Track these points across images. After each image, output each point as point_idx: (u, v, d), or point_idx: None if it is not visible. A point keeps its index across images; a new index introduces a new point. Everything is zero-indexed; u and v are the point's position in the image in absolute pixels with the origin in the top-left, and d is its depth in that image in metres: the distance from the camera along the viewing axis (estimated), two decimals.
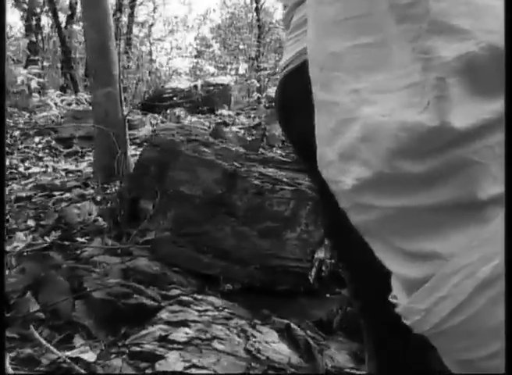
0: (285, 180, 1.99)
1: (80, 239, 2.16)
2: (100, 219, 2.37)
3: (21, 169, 4.05)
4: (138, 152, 5.14)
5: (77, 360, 1.49)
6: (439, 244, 0.46)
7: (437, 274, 0.47)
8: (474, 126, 0.44)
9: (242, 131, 6.22)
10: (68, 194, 2.84)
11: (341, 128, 0.50)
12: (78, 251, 1.95)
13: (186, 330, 1.65)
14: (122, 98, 3.16)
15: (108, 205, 2.34)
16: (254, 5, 18.98)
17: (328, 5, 0.54)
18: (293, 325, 1.75)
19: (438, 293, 0.47)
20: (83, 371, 1.43)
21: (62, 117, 5.95)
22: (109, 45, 3.21)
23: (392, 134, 0.46)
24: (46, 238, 2.14)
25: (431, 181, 0.45)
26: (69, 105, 6.11)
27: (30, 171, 3.99)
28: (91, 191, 2.97)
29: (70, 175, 3.85)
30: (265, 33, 16.98)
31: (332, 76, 0.53)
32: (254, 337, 1.70)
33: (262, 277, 1.90)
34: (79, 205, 2.48)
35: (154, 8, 18.12)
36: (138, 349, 1.56)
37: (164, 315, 1.69)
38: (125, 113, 3.16)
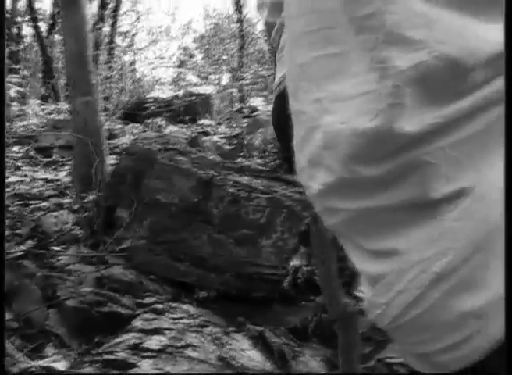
0: (260, 188, 2.00)
1: (55, 248, 2.14)
2: (76, 227, 2.36)
3: None
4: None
5: (49, 369, 1.48)
6: (397, 241, 0.48)
7: (394, 269, 0.50)
8: (425, 131, 0.46)
9: (223, 140, 6.24)
10: (45, 203, 2.82)
11: (308, 136, 0.53)
12: (53, 260, 1.94)
13: (160, 337, 1.65)
14: (101, 108, 3.15)
15: (85, 213, 2.33)
16: (237, 15, 19.10)
17: (296, 18, 0.57)
18: (267, 332, 1.76)
19: (396, 287, 0.49)
20: None
21: (42, 127, 5.91)
22: (87, 55, 3.21)
23: (349, 141, 0.48)
24: (21, 247, 2.12)
25: (386, 183, 0.47)
26: (50, 114, 6.07)
27: (9, 180, 3.96)
28: (69, 200, 2.96)
29: (49, 184, 3.83)
30: (248, 44, 17.08)
31: (298, 86, 0.56)
32: (229, 344, 1.70)
33: (238, 285, 1.91)
34: (55, 213, 2.47)
35: (138, 18, 18.12)
36: (111, 357, 1.55)
37: (138, 323, 1.69)
38: (102, 122, 3.15)
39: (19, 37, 10.52)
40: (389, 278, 0.49)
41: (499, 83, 0.47)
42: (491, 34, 0.48)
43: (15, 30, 10.13)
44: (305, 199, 1.57)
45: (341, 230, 0.54)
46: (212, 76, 19.09)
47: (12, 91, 6.02)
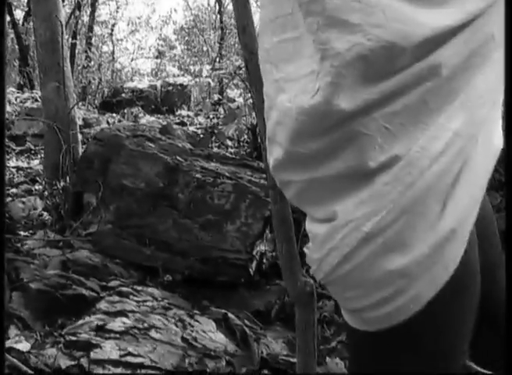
0: (226, 174, 2.03)
1: (22, 233, 2.15)
2: (45, 213, 2.36)
3: None
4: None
5: (10, 350, 1.49)
6: (338, 206, 0.54)
7: (328, 227, 0.55)
8: (360, 106, 0.52)
9: (199, 131, 6.24)
10: (14, 190, 2.82)
11: (268, 114, 0.61)
12: (18, 244, 1.94)
13: (124, 319, 1.67)
14: (75, 95, 3.14)
15: (53, 199, 2.34)
16: (217, 7, 19.01)
17: (265, 7, 0.65)
18: (230, 315, 1.79)
19: (328, 244, 0.55)
20: (15, 360, 1.43)
21: (15, 115, 5.85)
22: (58, 40, 3.19)
23: (294, 118, 0.54)
24: None
25: (328, 155, 0.53)
26: (24, 102, 6.01)
27: None
28: (39, 187, 2.96)
29: (20, 172, 3.81)
30: (228, 35, 17.03)
31: (264, 68, 0.64)
32: (192, 326, 1.73)
33: (203, 269, 1.94)
34: (24, 199, 2.47)
35: (117, 8, 17.92)
36: (74, 339, 1.57)
37: (102, 305, 1.71)
38: (74, 109, 3.15)
39: None
40: (322, 236, 0.55)
41: (430, 61, 0.51)
42: (427, 18, 0.52)
43: None
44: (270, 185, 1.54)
45: (295, 202, 0.61)
46: (192, 68, 19.01)
47: None
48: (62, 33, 3.01)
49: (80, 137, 3.33)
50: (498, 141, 0.60)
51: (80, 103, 8.73)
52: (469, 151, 0.52)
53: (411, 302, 0.57)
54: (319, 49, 0.53)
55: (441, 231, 0.53)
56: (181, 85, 8.80)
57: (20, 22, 9.77)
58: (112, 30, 16.85)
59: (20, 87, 8.41)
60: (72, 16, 9.24)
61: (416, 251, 0.55)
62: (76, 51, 11.29)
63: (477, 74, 0.52)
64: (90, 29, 11.91)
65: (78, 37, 11.14)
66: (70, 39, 9.83)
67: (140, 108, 7.30)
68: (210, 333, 1.73)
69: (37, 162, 4.39)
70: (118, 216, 1.98)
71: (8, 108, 5.62)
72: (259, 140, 2.94)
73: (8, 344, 1.53)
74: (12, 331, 1.63)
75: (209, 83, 12.63)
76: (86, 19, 13.05)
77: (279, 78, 0.59)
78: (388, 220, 0.54)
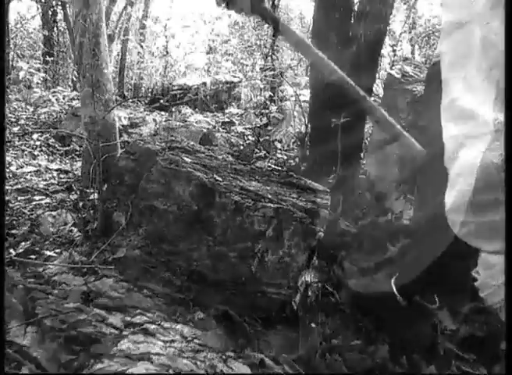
0: (268, 196, 1.80)
1: (48, 252, 1.99)
2: (75, 229, 2.20)
3: (13, 167, 3.90)
4: None
5: None
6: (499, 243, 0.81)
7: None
8: None
9: (247, 132, 6.03)
10: (48, 200, 2.68)
11: (448, 164, 0.91)
12: (39, 269, 1.78)
13: (147, 365, 1.47)
14: (110, 99, 2.98)
15: (84, 215, 2.17)
16: (271, 1, 18.74)
17: (448, 66, 1.12)
18: (268, 361, 1.57)
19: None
20: None
21: (64, 113, 5.80)
22: (100, 42, 3.04)
23: (481, 171, 0.76)
24: (11, 251, 1.98)
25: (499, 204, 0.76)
26: (72, 100, 5.95)
27: (22, 170, 3.84)
28: (75, 196, 2.81)
29: (62, 176, 3.70)
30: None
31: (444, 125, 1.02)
32: (224, 373, 1.52)
33: (239, 303, 1.72)
34: (54, 213, 2.32)
35: (171, 3, 17.94)
36: None
37: (124, 346, 1.52)
38: (114, 118, 2.99)
39: (53, 22, 10.42)
40: (500, 266, 0.69)
41: None
42: None
43: (50, 14, 10.04)
44: (318, 210, 1.34)
45: (468, 238, 0.87)
46: (245, 62, 18.88)
47: (35, 78, 5.95)
48: (106, 34, 2.84)
49: (119, 143, 3.17)
50: None
51: (130, 101, 8.68)
52: None
53: None
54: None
55: None
56: (231, 82, 8.61)
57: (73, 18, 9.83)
58: (165, 25, 16.89)
59: (74, 86, 8.42)
60: (124, 12, 9.20)
61: None
62: (129, 47, 11.30)
63: None
64: (142, 25, 11.89)
65: (130, 33, 11.13)
66: (122, 36, 9.82)
67: (188, 107, 7.15)
68: None
69: (80, 163, 4.28)
70: (147, 239, 1.79)
71: (55, 106, 5.58)
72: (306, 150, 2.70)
73: None
74: (25, 372, 1.46)
75: (254, 84, 12.40)
76: (140, 14, 13.06)
77: (458, 134, 0.81)
78: None
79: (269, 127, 6.23)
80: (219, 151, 2.24)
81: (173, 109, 6.82)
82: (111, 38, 8.39)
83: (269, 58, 14.45)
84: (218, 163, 2.12)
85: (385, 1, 2.32)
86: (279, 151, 3.84)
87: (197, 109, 7.57)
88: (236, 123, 6.68)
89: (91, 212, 2.06)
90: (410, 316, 1.70)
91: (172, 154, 2.05)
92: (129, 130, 5.36)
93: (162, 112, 7.47)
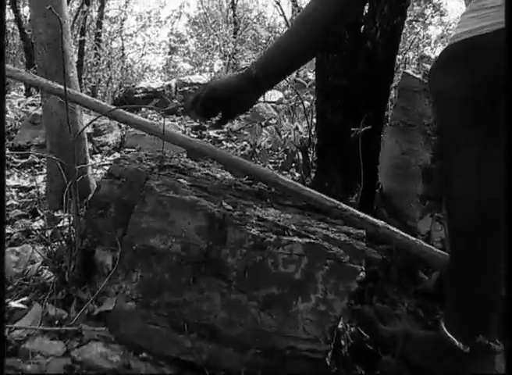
0: (292, 227, 1.45)
1: (13, 303, 1.59)
2: (45, 270, 1.81)
3: None
4: (105, 161, 4.55)
5: None
6: None
7: None
8: None
9: (220, 136, 5.67)
10: (9, 228, 2.26)
11: None
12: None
13: None
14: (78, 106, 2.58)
15: (55, 248, 1.78)
16: (230, 0, 18.40)
17: None
18: None
19: None
20: None
21: (19, 121, 5.30)
22: (64, 42, 2.63)
23: None
24: None
25: None
26: (28, 107, 5.45)
27: None
28: (41, 222, 2.40)
29: (22, 195, 3.26)
30: (242, 30, 16.44)
31: None
32: None
33: (265, 364, 1.37)
34: (18, 249, 1.91)
35: (126, 3, 17.40)
36: None
37: None
38: (83, 125, 2.59)
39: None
40: None
41: None
42: None
43: None
44: (357, 244, 0.92)
45: None
46: (204, 63, 18.46)
47: None
48: (71, 33, 2.45)
49: (89, 159, 2.77)
50: None
51: None
52: None
53: None
54: None
55: None
56: (198, 84, 8.22)
57: (27, 18, 9.21)
58: (122, 25, 16.32)
59: (27, 90, 7.86)
60: (80, 12, 8.69)
61: None
62: (85, 49, 10.76)
63: None
64: (99, 25, 11.34)
65: (87, 34, 10.59)
66: (78, 36, 9.29)
67: (153, 111, 6.73)
68: None
69: (42, 178, 3.83)
70: (143, 289, 1.41)
71: (10, 114, 5.08)
72: (311, 163, 2.37)
73: None
74: None
75: None
76: (94, 14, 12.51)
77: None
78: None
79: (245, 132, 5.88)
80: (215, 167, 1.88)
81: (139, 114, 6.39)
82: None
83: (232, 58, 14.11)
84: (219, 184, 1.76)
85: None
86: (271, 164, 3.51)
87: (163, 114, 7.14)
88: (207, 126, 6.30)
89: (64, 245, 1.67)
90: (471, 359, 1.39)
91: (164, 175, 1.68)
92: (94, 139, 4.93)
93: None
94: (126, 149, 5.03)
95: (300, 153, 2.36)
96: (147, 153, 1.91)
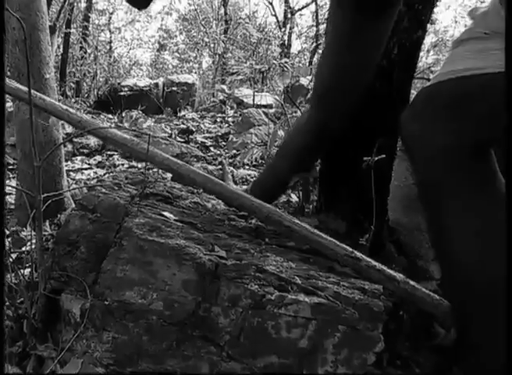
0: (298, 281, 1.22)
1: None
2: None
3: None
4: (85, 166, 4.27)
5: None
6: None
7: None
8: None
9: (208, 142, 5.43)
10: None
11: None
12: None
13: None
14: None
15: (14, 298, 1.52)
16: None
17: None
18: None
19: None
20: None
21: None
22: (40, 38, 2.36)
23: None
24: None
25: None
26: (6, 102, 5.14)
27: None
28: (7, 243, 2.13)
29: None
30: (233, 29, 16.18)
31: None
32: None
33: None
34: None
35: None
36: None
37: None
38: (59, 133, 2.33)
39: None
40: None
41: None
42: None
43: None
44: (375, 305, 0.67)
45: None
46: (193, 60, 18.16)
47: None
48: (48, 29, 2.19)
49: (66, 180, 2.51)
50: None
51: (73, 100, 7.86)
52: None
53: None
54: None
55: None
56: (186, 84, 7.94)
57: None
58: (110, 18, 15.98)
59: None
60: (66, 3, 8.36)
61: None
62: (71, 42, 10.42)
63: None
64: (86, 17, 10.99)
65: (73, 26, 10.24)
66: (64, 28, 8.96)
67: (139, 111, 6.44)
68: None
69: (13, 184, 3.54)
70: (116, 354, 1.17)
71: None
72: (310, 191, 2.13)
73: None
74: None
75: (213, 80, 11.79)
76: (82, 5, 12.17)
77: None
78: None
79: (231, 137, 5.64)
80: (204, 196, 1.64)
81: (123, 114, 6.10)
82: (52, 30, 7.55)
83: (222, 57, 13.86)
84: (210, 217, 1.52)
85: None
86: None
87: (149, 114, 6.87)
88: (194, 130, 6.05)
89: (27, 293, 1.42)
90: None
91: (147, 205, 1.44)
92: (74, 140, 4.64)
93: (110, 116, 6.74)
94: (108, 152, 4.75)
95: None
96: (127, 175, 1.66)
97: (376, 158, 1.63)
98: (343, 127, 1.68)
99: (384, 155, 1.65)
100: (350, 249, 1.34)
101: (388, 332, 1.56)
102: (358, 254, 1.33)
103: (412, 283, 1.32)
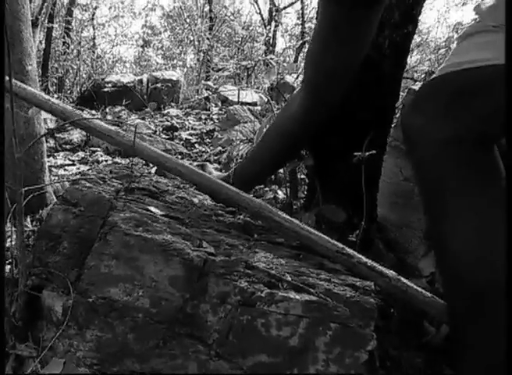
0: (288, 278, 1.19)
1: None
2: None
3: None
4: (68, 162, 4.20)
5: None
6: None
7: None
8: None
9: (193, 139, 5.38)
10: None
11: None
12: None
13: None
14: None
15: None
16: None
17: None
18: None
19: None
20: None
21: None
22: (21, 28, 2.30)
23: None
24: None
25: None
26: None
27: None
28: None
29: None
30: (218, 26, 16.10)
31: None
32: None
33: None
34: None
35: None
36: None
37: None
38: (42, 128, 2.27)
39: None
40: None
41: None
42: None
43: None
44: (366, 302, 0.65)
45: None
46: (177, 56, 18.05)
47: None
48: (30, 22, 2.13)
49: (48, 175, 2.45)
50: None
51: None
52: None
53: None
54: None
55: None
56: (170, 80, 7.87)
57: None
58: (94, 13, 15.81)
59: None
60: None
61: None
62: (53, 36, 10.27)
63: None
64: (70, 12, 10.84)
65: (56, 21, 10.10)
66: (46, 22, 8.82)
67: (123, 107, 6.36)
68: None
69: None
70: (100, 353, 1.13)
71: None
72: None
73: None
74: None
75: (198, 77, 11.73)
76: (65, 0, 12.01)
77: None
78: None
79: (216, 134, 5.60)
80: (191, 191, 1.60)
81: (107, 110, 6.01)
82: (34, 24, 7.42)
83: (206, 54, 13.77)
84: (197, 212, 1.49)
85: None
86: None
87: (133, 111, 6.79)
88: (179, 127, 5.99)
89: (7, 288, 1.37)
90: None
91: (133, 200, 1.39)
92: (56, 135, 4.56)
93: (93, 112, 6.64)
94: (92, 148, 4.68)
95: (284, 169, 2.09)
96: (112, 170, 1.62)
97: (367, 154, 1.61)
98: (331, 116, 1.63)
99: (375, 151, 1.63)
100: (341, 245, 1.32)
101: (376, 329, 1.53)
102: (350, 250, 1.31)
103: (404, 280, 1.30)
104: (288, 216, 1.36)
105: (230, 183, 1.52)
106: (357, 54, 1.46)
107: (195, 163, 3.67)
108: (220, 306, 1.13)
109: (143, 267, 1.15)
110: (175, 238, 1.21)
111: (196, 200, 1.62)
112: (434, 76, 1.20)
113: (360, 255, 1.30)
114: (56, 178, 3.41)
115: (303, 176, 2.27)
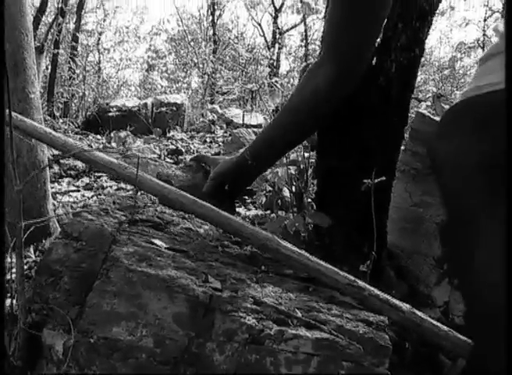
0: (298, 314, 1.14)
1: None
2: None
3: None
4: (72, 188, 4.18)
5: None
6: None
7: None
8: None
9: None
10: None
11: None
12: None
13: None
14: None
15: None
16: (210, 18, 18.24)
17: None
18: None
19: None
20: None
21: None
22: (25, 56, 2.29)
23: None
24: None
25: None
26: None
27: None
28: None
29: None
30: (222, 49, 16.26)
31: None
32: None
33: None
34: None
35: (105, 16, 17.12)
36: None
37: None
38: (44, 161, 2.24)
39: None
40: None
41: None
42: None
43: None
44: (381, 338, 0.58)
45: None
46: (182, 79, 18.18)
47: None
48: (33, 49, 2.12)
49: (51, 203, 2.42)
50: None
51: (61, 121, 7.77)
52: None
53: None
54: None
55: None
56: (175, 104, 7.88)
57: None
58: (99, 39, 15.99)
59: None
60: (55, 24, 8.30)
61: None
62: (59, 62, 10.36)
63: None
64: (75, 38, 10.95)
65: (61, 47, 10.19)
66: (52, 48, 8.90)
67: (128, 132, 6.36)
68: None
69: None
70: None
71: None
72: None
73: None
74: None
75: (202, 100, 11.78)
76: (71, 26, 12.17)
77: None
78: None
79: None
80: (197, 221, 1.57)
81: (112, 135, 6.01)
82: (40, 51, 7.49)
83: (210, 76, 13.87)
84: (203, 244, 1.44)
85: (423, 16, 1.76)
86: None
87: (138, 135, 6.79)
88: (183, 150, 5.97)
89: (7, 327, 1.32)
90: None
91: (136, 233, 1.36)
92: (61, 161, 4.55)
93: (98, 137, 6.65)
94: (96, 174, 4.66)
95: (290, 193, 2.05)
96: (115, 200, 1.58)
97: (376, 181, 1.57)
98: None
99: (384, 177, 1.59)
100: (353, 278, 1.27)
101: (390, 365, 1.47)
102: (361, 283, 1.26)
103: (418, 313, 1.25)
104: (296, 248, 1.31)
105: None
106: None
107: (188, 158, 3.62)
108: (227, 344, 1.09)
109: (146, 304, 1.11)
110: (179, 273, 1.16)
111: (201, 230, 1.58)
112: (456, 101, 1.17)
113: (372, 288, 1.25)
114: (60, 205, 3.38)
115: (309, 200, 2.23)
